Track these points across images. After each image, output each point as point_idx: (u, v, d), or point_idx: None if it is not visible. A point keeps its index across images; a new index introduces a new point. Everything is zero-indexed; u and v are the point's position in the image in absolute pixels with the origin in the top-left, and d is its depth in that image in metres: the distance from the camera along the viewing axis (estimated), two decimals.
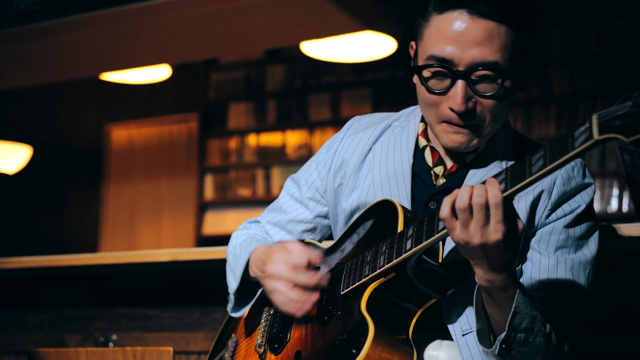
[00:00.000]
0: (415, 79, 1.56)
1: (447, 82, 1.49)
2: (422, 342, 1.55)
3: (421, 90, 1.55)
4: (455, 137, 1.53)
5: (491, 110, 1.50)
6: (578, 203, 1.56)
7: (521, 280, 1.53)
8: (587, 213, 1.57)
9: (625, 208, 5.28)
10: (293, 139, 6.65)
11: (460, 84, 1.47)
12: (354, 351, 1.37)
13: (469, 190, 1.29)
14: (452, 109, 1.49)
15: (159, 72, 5.76)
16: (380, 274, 1.46)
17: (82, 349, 2.19)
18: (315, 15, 4.20)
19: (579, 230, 1.55)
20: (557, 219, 1.54)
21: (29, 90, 7.66)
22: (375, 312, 1.43)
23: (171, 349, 2.08)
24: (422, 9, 1.55)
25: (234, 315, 1.79)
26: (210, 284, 1.89)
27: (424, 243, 1.38)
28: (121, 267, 2.88)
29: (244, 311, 1.79)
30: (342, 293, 1.53)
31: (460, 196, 1.29)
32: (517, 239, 1.31)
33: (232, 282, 1.75)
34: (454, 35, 1.46)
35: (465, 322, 1.52)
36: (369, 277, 1.47)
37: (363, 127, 1.78)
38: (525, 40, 1.50)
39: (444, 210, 1.31)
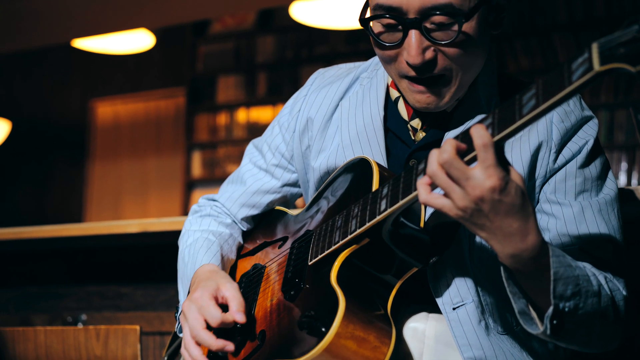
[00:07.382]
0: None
1: (400, 33, 1.36)
2: (407, 317, 1.43)
3: (375, 46, 1.42)
4: (420, 97, 1.40)
5: (456, 59, 1.36)
6: (584, 139, 1.44)
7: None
8: (597, 148, 1.46)
9: (634, 182, 5.23)
10: None
11: (413, 33, 1.34)
12: (322, 329, 1.24)
13: (434, 153, 1.16)
14: (408, 63, 1.37)
15: (142, 41, 5.62)
16: (352, 240, 1.34)
17: (40, 327, 2.08)
18: None
19: (594, 169, 1.44)
20: (568, 162, 1.43)
21: (10, 63, 7.71)
22: (347, 285, 1.31)
23: (138, 327, 1.98)
24: None
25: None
26: None
27: (400, 203, 1.24)
28: (90, 240, 2.77)
29: None
30: (309, 264, 1.41)
31: (429, 165, 1.16)
32: (521, 191, 1.15)
33: (182, 294, 1.63)
34: None
35: (456, 294, 1.40)
36: (339, 244, 1.35)
37: (328, 81, 1.65)
38: None
39: (422, 196, 1.18)
